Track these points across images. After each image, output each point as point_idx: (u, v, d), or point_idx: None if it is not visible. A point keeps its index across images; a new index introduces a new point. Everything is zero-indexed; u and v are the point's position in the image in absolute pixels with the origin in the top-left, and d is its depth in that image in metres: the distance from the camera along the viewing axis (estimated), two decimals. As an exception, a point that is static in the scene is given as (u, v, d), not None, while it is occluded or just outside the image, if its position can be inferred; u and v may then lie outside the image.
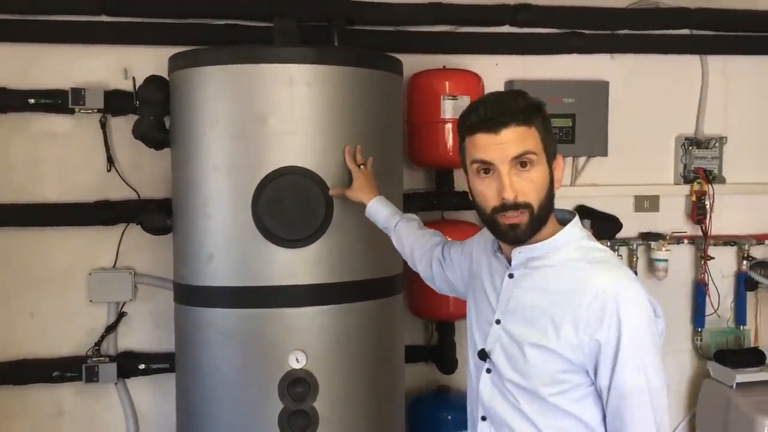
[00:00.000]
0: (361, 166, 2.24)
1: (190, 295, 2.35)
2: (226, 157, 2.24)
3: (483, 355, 1.58)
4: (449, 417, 3.05)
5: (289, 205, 2.19)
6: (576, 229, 1.55)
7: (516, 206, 1.44)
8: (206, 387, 2.31)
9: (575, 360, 1.44)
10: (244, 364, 2.26)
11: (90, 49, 2.92)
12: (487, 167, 1.47)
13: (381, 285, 2.37)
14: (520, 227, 1.47)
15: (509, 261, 1.57)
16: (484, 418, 1.60)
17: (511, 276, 1.57)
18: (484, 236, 1.75)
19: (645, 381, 1.41)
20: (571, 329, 1.43)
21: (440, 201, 3.08)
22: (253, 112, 2.20)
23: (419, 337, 3.24)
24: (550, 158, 1.51)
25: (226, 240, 2.25)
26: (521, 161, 1.45)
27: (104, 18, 2.90)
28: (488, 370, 1.58)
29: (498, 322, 1.57)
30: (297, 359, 2.21)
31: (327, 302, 2.24)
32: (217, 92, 2.24)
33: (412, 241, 2.06)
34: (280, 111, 2.19)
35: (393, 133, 2.46)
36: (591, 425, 1.47)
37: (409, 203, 2.82)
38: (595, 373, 1.44)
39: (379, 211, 2.14)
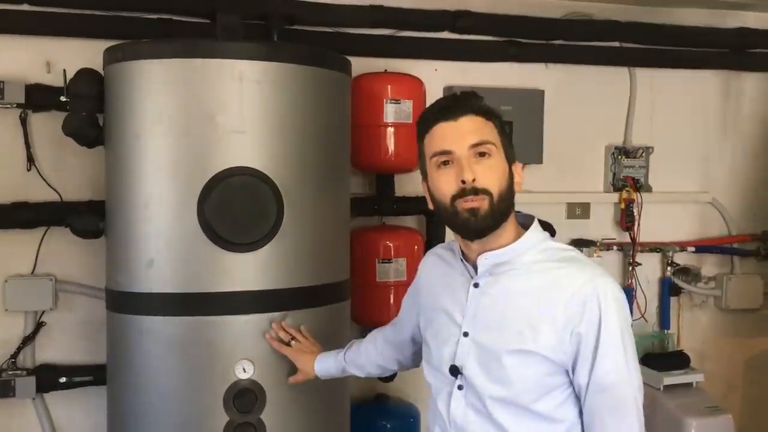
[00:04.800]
0: (292, 342, 2.10)
1: (127, 303, 2.20)
2: (170, 157, 2.11)
3: (454, 370, 1.53)
4: (388, 425, 3.01)
5: (237, 208, 2.08)
6: (538, 231, 1.56)
7: (475, 191, 1.43)
8: (143, 400, 2.17)
9: (555, 359, 1.43)
10: (187, 375, 2.13)
11: (10, 39, 2.72)
12: (446, 159, 1.46)
13: (330, 291, 2.30)
14: (480, 212, 1.43)
15: (475, 269, 1.54)
16: None
17: (476, 285, 1.53)
18: (434, 257, 1.72)
19: (627, 374, 1.43)
20: (549, 328, 1.43)
21: (381, 206, 3.03)
22: (199, 110, 2.08)
23: (356, 345, 3.16)
24: (509, 155, 1.51)
25: (168, 244, 2.11)
26: (479, 151, 1.45)
27: (26, 7, 2.71)
28: (460, 387, 1.53)
29: (466, 334, 1.52)
30: (244, 369, 2.11)
31: (276, 309, 2.14)
32: (161, 88, 2.11)
33: (367, 354, 2.00)
34: (229, 109, 2.08)
35: (343, 134, 2.40)
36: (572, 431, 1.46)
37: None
38: (574, 371, 1.43)
39: (325, 364, 2.05)
